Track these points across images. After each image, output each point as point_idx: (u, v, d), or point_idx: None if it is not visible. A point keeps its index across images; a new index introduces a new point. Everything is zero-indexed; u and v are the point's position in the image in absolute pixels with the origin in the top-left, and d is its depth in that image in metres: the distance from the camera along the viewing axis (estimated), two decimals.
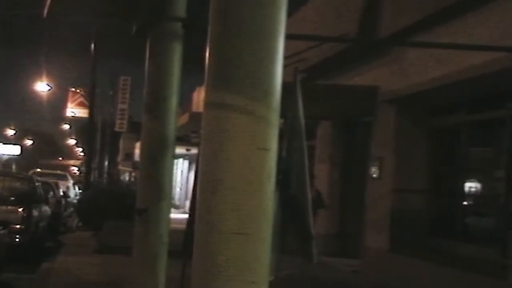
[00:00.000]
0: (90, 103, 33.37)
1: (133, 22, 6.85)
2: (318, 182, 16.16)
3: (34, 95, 55.66)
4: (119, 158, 57.07)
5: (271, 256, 3.34)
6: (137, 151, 41.22)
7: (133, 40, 7.34)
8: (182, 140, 23.95)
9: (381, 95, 13.48)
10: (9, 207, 16.34)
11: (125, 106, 45.69)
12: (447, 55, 10.93)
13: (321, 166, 16.76)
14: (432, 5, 11.38)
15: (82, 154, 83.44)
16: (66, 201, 26.97)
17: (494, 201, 11.13)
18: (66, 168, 72.76)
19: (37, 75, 48.99)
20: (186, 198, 36.97)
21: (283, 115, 3.37)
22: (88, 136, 35.19)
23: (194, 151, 27.08)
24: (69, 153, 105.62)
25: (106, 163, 58.44)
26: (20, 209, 16.28)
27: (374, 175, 13.59)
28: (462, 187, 11.99)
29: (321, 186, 16.28)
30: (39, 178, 23.49)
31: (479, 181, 11.93)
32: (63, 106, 51.43)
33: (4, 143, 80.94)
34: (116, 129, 48.10)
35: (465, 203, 12.03)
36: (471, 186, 12.06)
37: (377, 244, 13.21)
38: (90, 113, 33.06)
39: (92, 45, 31.41)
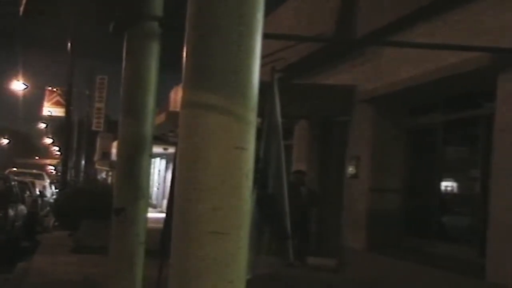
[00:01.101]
0: (67, 102, 33.21)
1: (110, 20, 6.82)
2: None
3: (10, 94, 55.34)
4: (96, 157, 56.77)
5: (248, 255, 3.35)
6: (114, 150, 41.11)
7: (110, 39, 7.32)
8: (159, 139, 23.89)
9: (358, 94, 13.53)
10: None
11: (102, 105, 45.55)
12: (423, 55, 10.99)
13: (298, 165, 16.78)
14: (408, 5, 11.43)
15: (58, 153, 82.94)
16: (42, 200, 26.85)
17: (470, 200, 11.20)
18: (42, 167, 72.42)
19: (13, 74, 48.74)
20: (163, 197, 36.89)
21: (260, 114, 3.38)
22: (64, 135, 35.02)
23: (171, 150, 27.03)
24: (45, 152, 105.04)
25: (83, 162, 58.16)
26: None
27: (351, 174, 13.64)
28: (438, 186, 12.05)
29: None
30: (15, 178, 23.37)
31: (455, 180, 12.01)
32: (40, 105, 51.14)
33: None
34: (93, 128, 47.94)
35: (441, 202, 12.09)
36: (447, 185, 12.13)
37: (354, 243, 13.26)
38: (67, 112, 32.89)
39: (69, 44, 31.25)
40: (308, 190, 14.68)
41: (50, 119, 58.50)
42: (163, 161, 40.32)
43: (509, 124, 9.17)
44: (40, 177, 38.65)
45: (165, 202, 30.12)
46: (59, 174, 50.06)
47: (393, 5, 11.95)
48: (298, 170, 15.26)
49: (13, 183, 19.69)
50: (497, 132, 9.42)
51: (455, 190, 12.03)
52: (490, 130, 9.84)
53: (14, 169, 44.12)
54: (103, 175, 59.69)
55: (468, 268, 10.09)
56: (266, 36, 3.38)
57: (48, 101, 48.69)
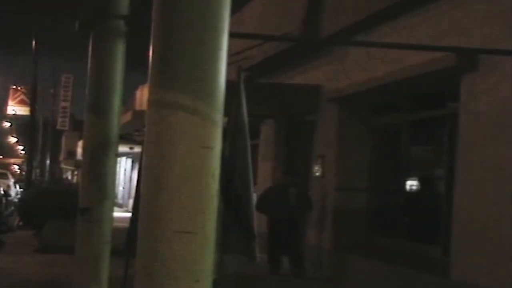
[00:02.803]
0: (31, 101, 32.95)
1: (75, 19, 6.79)
2: (261, 181, 16.21)
3: None
4: (61, 156, 56.41)
5: (215, 255, 3.35)
6: (79, 150, 40.80)
7: (76, 37, 7.28)
8: (125, 138, 23.74)
9: (324, 94, 13.57)
10: None
11: (67, 104, 45.29)
12: (388, 55, 11.05)
13: (264, 164, 16.80)
14: (374, 5, 11.49)
15: (23, 152, 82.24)
16: (6, 200, 26.57)
17: (435, 199, 11.28)
18: (7, 166, 71.74)
19: None
20: (129, 197, 36.71)
21: (226, 113, 3.38)
22: (29, 134, 34.73)
23: (137, 149, 26.88)
24: (10, 152, 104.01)
25: (48, 161, 57.75)
26: None
27: (317, 174, 13.67)
28: (404, 185, 12.13)
29: (265, 185, 16.32)
30: None
31: (420, 179, 12.09)
32: (4, 104, 50.67)
33: None
34: (58, 127, 47.63)
35: (407, 201, 12.17)
36: (412, 184, 12.21)
37: (320, 242, 13.30)
38: (32, 111, 32.64)
39: (34, 42, 30.99)
40: (298, 192, 12.90)
41: (15, 118, 58.05)
42: (129, 161, 40.12)
43: (472, 124, 9.26)
44: (4, 176, 38.29)
45: (131, 201, 29.94)
46: (24, 173, 49.67)
47: (359, 4, 12.00)
48: (288, 169, 14.23)
49: None
50: (461, 131, 9.51)
51: (420, 189, 12.11)
52: (454, 130, 9.92)
53: None
54: (69, 174, 59.29)
55: (433, 266, 10.16)
56: (232, 35, 3.38)
57: (13, 100, 48.33)
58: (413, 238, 11.59)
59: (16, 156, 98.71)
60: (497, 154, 8.69)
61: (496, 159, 8.70)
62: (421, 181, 11.98)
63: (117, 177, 31.63)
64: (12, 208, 27.28)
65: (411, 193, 12.18)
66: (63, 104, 45.68)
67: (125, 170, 41.73)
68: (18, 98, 47.60)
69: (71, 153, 50.24)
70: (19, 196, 31.03)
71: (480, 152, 9.03)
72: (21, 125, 68.11)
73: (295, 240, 12.78)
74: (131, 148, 28.23)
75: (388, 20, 11.22)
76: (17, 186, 38.66)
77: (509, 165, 8.39)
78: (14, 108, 48.33)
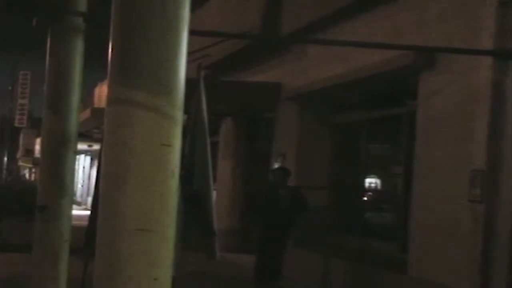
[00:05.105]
0: None
1: (33, 15, 6.73)
2: (220, 178, 16.21)
3: None
4: (19, 154, 55.82)
5: (174, 252, 3.35)
6: (37, 147, 40.44)
7: (33, 33, 7.22)
8: (84, 136, 23.62)
9: (283, 92, 13.61)
10: None
11: (25, 101, 44.85)
12: (348, 53, 11.10)
13: (224, 162, 16.81)
14: (333, 3, 11.54)
15: None
16: None
17: (393, 197, 11.38)
18: None
19: None
20: (88, 195, 36.49)
21: (186, 111, 3.38)
22: None
23: (96, 147, 26.76)
24: None
25: (5, 159, 57.11)
26: None
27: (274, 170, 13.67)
28: (363, 183, 12.21)
29: (224, 182, 16.34)
30: None
31: (379, 177, 12.18)
32: None
33: None
34: (16, 124, 47.12)
35: (365, 199, 12.25)
36: (371, 182, 12.30)
37: None
38: None
39: None
40: (290, 193, 11.04)
41: None
42: (88, 158, 39.89)
43: (430, 122, 9.35)
44: None
45: (89, 199, 29.75)
46: None
47: (318, 3, 12.05)
48: (279, 167, 12.43)
49: None
50: (419, 129, 9.60)
51: (379, 186, 12.20)
52: (412, 128, 10.01)
53: None
54: (26, 172, 58.72)
55: (392, 263, 10.25)
56: (192, 32, 3.38)
57: None
58: (372, 235, 11.67)
59: None
60: (453, 151, 8.79)
61: (452, 157, 8.79)
62: (380, 179, 12.07)
63: (76, 174, 31.40)
64: None
65: (370, 190, 12.26)
66: (20, 101, 45.22)
67: (84, 167, 41.46)
68: None
69: (29, 151, 49.76)
70: None
71: (436, 149, 9.12)
72: None
73: (281, 248, 11.00)
74: (90, 145, 28.08)
75: (348, 18, 11.27)
76: None
77: (464, 162, 8.49)
78: None
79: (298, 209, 10.94)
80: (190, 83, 3.69)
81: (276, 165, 13.58)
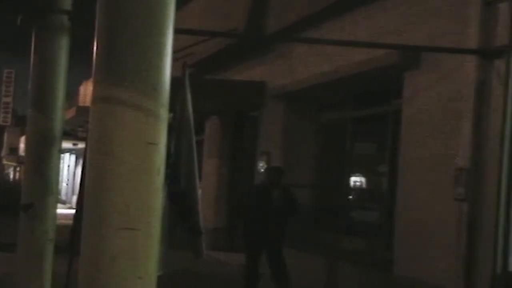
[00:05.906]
0: None
1: (18, 13, 6.71)
2: (206, 177, 16.20)
3: None
4: (3, 152, 55.65)
5: (160, 251, 3.35)
6: (22, 146, 40.31)
7: (18, 31, 7.20)
8: (69, 134, 23.57)
9: (269, 90, 13.61)
10: None
11: (9, 100, 44.67)
12: (333, 52, 11.11)
13: (209, 160, 16.80)
14: (319, 1, 11.55)
15: None
16: None
17: (378, 195, 11.40)
18: None
19: None
20: (73, 193, 36.39)
21: (171, 109, 3.38)
22: None
23: (81, 145, 26.70)
24: None
25: None
26: None
27: (262, 170, 13.69)
28: (348, 182, 12.22)
29: (210, 181, 16.32)
30: None
31: (364, 175, 12.19)
32: None
33: None
34: (0, 123, 46.92)
35: (350, 197, 12.27)
36: (356, 181, 12.31)
37: None
38: None
39: None
40: (283, 193, 10.51)
41: None
42: (73, 157, 39.77)
43: (414, 121, 9.37)
44: None
45: (74, 198, 29.72)
46: None
47: (303, 1, 12.06)
48: (272, 167, 11.94)
49: None
50: (404, 128, 9.62)
51: (364, 185, 12.22)
52: (397, 127, 10.03)
53: None
54: (11, 170, 58.51)
55: (377, 262, 10.27)
56: (177, 31, 3.38)
57: None
58: (357, 234, 11.69)
59: None
60: (437, 150, 8.81)
61: (436, 155, 8.82)
62: (365, 177, 12.08)
63: (61, 173, 31.35)
64: None
65: (355, 189, 12.28)
66: (5, 99, 45.04)
67: (68, 166, 41.35)
68: None
69: (14, 149, 49.60)
70: None
71: (421, 148, 9.15)
72: None
73: (278, 250, 10.71)
74: (74, 144, 28.02)
75: (333, 17, 11.28)
76: None
77: (448, 161, 8.52)
78: None
79: (291, 209, 10.55)
80: (175, 81, 3.68)
81: (261, 164, 13.61)
